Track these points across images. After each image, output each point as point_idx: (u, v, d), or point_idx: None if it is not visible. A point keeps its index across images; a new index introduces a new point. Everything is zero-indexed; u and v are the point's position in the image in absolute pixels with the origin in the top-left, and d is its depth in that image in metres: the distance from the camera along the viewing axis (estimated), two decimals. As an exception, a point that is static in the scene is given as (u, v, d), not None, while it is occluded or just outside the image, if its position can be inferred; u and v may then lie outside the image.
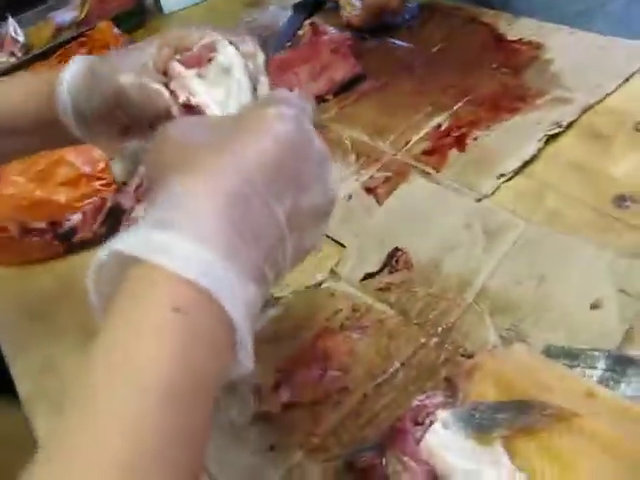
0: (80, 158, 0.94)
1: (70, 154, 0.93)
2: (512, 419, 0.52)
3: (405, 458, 0.53)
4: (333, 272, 0.77)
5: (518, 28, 1.09)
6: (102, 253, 0.37)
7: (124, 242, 0.37)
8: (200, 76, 0.57)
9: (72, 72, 0.57)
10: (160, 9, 1.53)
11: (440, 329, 0.67)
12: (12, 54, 1.36)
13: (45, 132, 0.61)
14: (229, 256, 0.37)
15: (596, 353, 0.60)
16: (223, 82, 0.58)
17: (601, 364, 0.60)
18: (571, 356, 0.60)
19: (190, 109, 0.57)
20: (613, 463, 0.49)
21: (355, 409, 0.63)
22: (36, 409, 0.75)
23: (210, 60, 0.58)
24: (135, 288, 0.37)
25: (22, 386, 0.79)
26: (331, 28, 1.14)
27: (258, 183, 0.40)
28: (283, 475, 0.60)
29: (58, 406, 0.74)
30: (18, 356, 0.82)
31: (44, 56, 1.35)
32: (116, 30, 1.33)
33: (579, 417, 0.51)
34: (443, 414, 0.54)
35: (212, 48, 0.59)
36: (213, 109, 0.56)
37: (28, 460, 0.32)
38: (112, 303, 0.37)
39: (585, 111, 0.89)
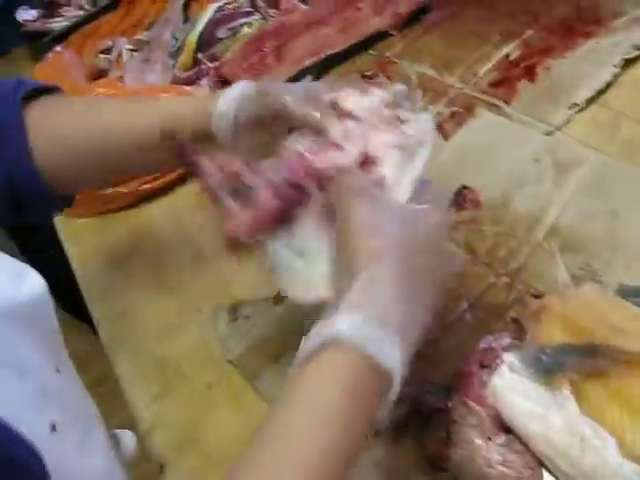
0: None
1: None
2: (580, 363, 0.51)
3: (470, 402, 0.53)
4: (400, 212, 0.76)
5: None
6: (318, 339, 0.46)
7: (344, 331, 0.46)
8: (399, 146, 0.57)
9: (240, 88, 0.62)
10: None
11: (510, 268, 0.66)
12: (81, 7, 1.38)
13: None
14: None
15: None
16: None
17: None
18: (641, 294, 0.59)
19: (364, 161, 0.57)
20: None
21: (422, 352, 0.63)
22: (115, 354, 0.78)
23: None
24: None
25: (103, 331, 0.82)
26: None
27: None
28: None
29: (134, 352, 0.77)
30: (97, 303, 0.85)
31: (112, 7, 1.36)
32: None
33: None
34: (509, 357, 0.53)
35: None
36: (389, 177, 0.56)
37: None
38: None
39: (666, 32, 0.84)
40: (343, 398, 0.44)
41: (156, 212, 0.94)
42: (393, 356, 0.46)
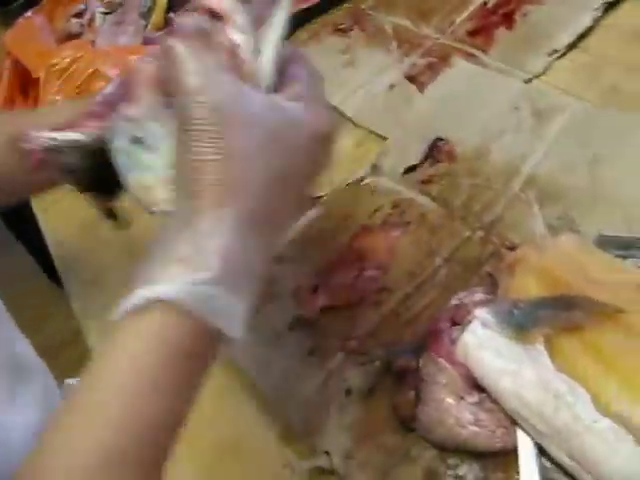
0: (114, 70, 0.91)
1: (104, 66, 0.91)
2: (555, 316, 0.48)
3: (440, 360, 0.51)
4: (374, 167, 0.73)
5: None
6: (141, 296, 0.40)
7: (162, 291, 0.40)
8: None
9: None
10: None
11: (485, 221, 0.63)
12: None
13: None
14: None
15: (652, 241, 0.55)
16: None
17: (657, 253, 0.55)
18: (625, 246, 0.56)
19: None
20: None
21: (395, 310, 0.61)
22: (86, 322, 0.76)
23: None
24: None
25: (74, 301, 0.80)
26: None
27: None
28: (323, 378, 0.58)
29: (105, 320, 0.75)
30: (69, 271, 0.83)
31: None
32: None
33: (627, 313, 0.46)
34: (481, 313, 0.51)
35: None
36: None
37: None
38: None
39: (649, -28, 0.80)
40: (164, 360, 0.40)
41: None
42: (225, 313, 0.41)
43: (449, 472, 0.50)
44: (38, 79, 0.99)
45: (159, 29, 1.08)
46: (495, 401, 0.48)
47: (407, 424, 0.52)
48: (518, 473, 0.47)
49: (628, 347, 0.45)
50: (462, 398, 0.50)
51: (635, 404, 0.43)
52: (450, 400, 0.49)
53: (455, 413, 0.49)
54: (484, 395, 0.49)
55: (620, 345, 0.46)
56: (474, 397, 0.49)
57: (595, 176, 0.61)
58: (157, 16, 1.09)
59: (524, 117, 0.69)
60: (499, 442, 0.48)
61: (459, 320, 0.52)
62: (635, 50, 0.73)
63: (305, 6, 0.96)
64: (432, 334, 0.53)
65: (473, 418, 0.48)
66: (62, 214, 0.91)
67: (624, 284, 0.50)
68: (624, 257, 0.55)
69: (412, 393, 0.51)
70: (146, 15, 1.12)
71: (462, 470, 0.50)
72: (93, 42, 1.13)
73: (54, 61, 0.97)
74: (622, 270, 0.52)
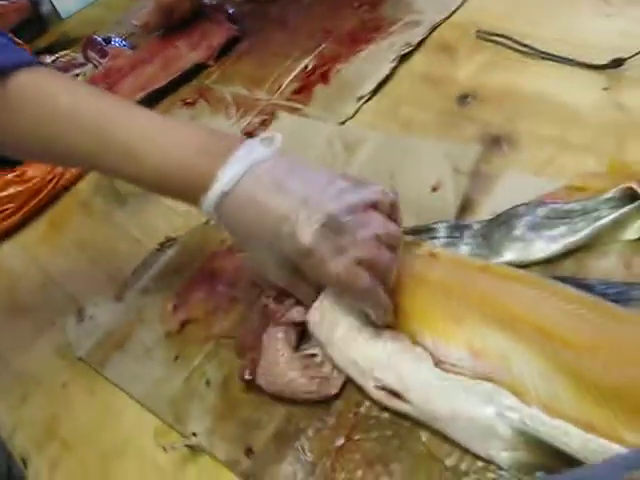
0: None
1: None
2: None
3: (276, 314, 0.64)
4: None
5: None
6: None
7: None
8: None
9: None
10: (58, 14, 1.59)
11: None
12: None
13: None
14: None
15: (436, 225, 0.69)
16: None
17: (442, 233, 0.69)
18: (417, 232, 0.70)
19: None
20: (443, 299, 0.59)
21: (244, 315, 0.72)
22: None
23: None
24: None
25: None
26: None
27: None
28: (186, 377, 0.69)
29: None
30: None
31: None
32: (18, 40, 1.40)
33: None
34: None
35: None
36: None
37: None
38: None
39: (434, 29, 0.98)
40: None
41: (7, 250, 1.00)
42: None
43: (298, 430, 0.61)
44: None
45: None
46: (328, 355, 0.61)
47: (248, 381, 0.63)
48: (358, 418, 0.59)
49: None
50: (296, 349, 0.62)
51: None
52: (285, 353, 0.61)
53: (288, 364, 0.60)
54: (317, 347, 0.62)
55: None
56: (307, 350, 0.62)
57: (391, 187, 0.75)
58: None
59: (337, 151, 0.83)
60: (329, 390, 0.60)
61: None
62: (424, 90, 0.89)
63: (157, 86, 1.09)
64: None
65: (302, 370, 0.60)
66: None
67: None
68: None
69: (254, 353, 0.63)
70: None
71: (303, 424, 0.61)
72: None
73: None
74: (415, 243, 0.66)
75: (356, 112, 0.90)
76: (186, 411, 0.67)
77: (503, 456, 0.51)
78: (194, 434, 0.64)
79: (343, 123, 0.89)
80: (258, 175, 0.59)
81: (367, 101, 0.91)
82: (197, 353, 0.71)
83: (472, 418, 0.53)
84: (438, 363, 0.55)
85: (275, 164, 0.60)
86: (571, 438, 0.48)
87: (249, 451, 0.61)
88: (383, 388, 0.57)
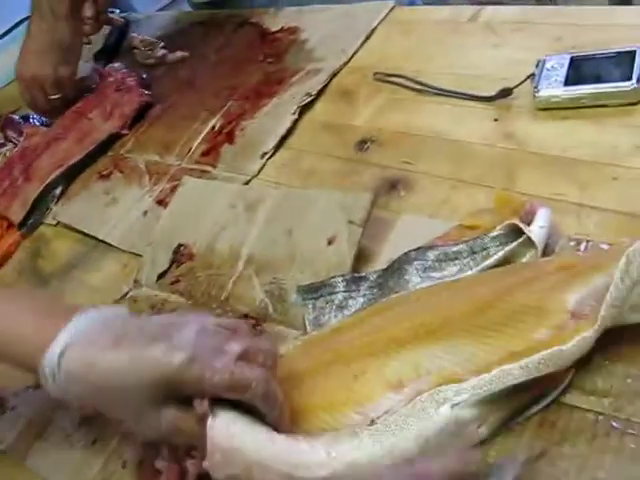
0: None
1: None
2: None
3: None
4: (136, 281, 0.85)
5: (280, 19, 1.20)
6: None
7: None
8: None
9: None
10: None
11: (220, 300, 0.76)
12: None
13: None
14: None
15: (334, 280, 0.70)
16: None
17: (340, 287, 0.69)
18: (316, 289, 0.70)
19: None
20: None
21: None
22: None
23: None
24: None
25: None
26: (117, 66, 1.23)
27: None
28: (105, 459, 0.69)
29: None
30: None
31: None
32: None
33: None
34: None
35: None
36: None
37: None
38: None
39: (334, 75, 1.00)
40: None
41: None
42: None
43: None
44: None
45: None
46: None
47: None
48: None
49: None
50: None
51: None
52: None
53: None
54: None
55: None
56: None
57: (290, 244, 0.76)
58: None
59: (239, 212, 0.83)
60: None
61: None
62: (323, 140, 0.90)
63: (74, 161, 1.09)
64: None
65: None
66: None
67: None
68: (316, 299, 0.69)
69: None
70: None
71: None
72: None
73: None
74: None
75: (261, 168, 0.91)
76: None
77: (483, 431, 0.54)
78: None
79: (249, 182, 0.89)
80: (104, 323, 0.59)
81: (271, 156, 0.92)
82: (113, 435, 0.70)
83: (440, 429, 0.53)
84: (373, 421, 0.55)
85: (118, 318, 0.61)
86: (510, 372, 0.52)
87: None
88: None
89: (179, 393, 0.55)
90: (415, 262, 0.67)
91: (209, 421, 0.54)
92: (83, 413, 0.73)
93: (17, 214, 1.07)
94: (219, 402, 0.55)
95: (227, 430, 0.54)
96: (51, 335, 0.58)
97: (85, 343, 0.57)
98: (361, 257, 0.72)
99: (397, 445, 0.53)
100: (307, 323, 0.69)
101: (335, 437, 0.55)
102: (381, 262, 0.71)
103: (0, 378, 0.84)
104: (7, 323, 0.62)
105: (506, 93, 0.83)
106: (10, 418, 0.79)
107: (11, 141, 1.25)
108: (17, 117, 1.28)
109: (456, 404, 0.53)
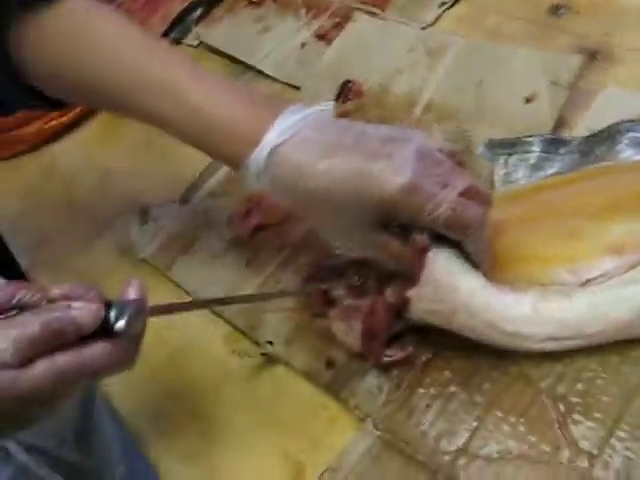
0: None
1: None
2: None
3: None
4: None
5: None
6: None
7: None
8: None
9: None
10: None
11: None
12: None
13: None
14: None
15: (531, 139, 0.65)
16: None
17: (536, 147, 0.65)
18: (509, 145, 0.66)
19: None
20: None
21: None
22: (36, 280, 0.81)
23: None
24: None
25: (22, 261, 0.85)
26: None
27: None
28: (260, 283, 0.66)
29: (54, 273, 0.80)
30: (13, 235, 0.88)
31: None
32: None
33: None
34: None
35: None
36: None
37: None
38: None
39: None
40: None
41: (64, 147, 0.97)
42: None
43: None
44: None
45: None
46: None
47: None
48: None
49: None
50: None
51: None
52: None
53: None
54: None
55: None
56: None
57: (481, 95, 0.71)
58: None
59: (419, 56, 0.78)
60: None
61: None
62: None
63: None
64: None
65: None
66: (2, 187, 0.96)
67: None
68: (510, 154, 0.65)
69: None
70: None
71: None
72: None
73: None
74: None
75: (437, 19, 0.85)
76: (260, 318, 0.64)
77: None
78: (270, 342, 0.62)
79: (423, 29, 0.84)
80: (315, 126, 0.53)
81: (450, 7, 0.85)
82: (270, 260, 0.68)
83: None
84: (585, 284, 0.52)
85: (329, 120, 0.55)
86: None
87: (330, 363, 0.59)
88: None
89: (391, 218, 0.52)
90: (628, 133, 0.62)
91: (430, 253, 0.51)
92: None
93: (156, 28, 1.02)
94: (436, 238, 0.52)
95: (447, 266, 0.51)
96: (262, 128, 0.53)
97: (294, 147, 0.53)
98: (558, 122, 0.68)
99: (611, 312, 0.50)
100: (496, 178, 0.65)
101: (543, 294, 0.52)
102: (579, 131, 0.67)
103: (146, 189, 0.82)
104: (210, 97, 0.56)
105: None
106: (151, 229, 0.78)
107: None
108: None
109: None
